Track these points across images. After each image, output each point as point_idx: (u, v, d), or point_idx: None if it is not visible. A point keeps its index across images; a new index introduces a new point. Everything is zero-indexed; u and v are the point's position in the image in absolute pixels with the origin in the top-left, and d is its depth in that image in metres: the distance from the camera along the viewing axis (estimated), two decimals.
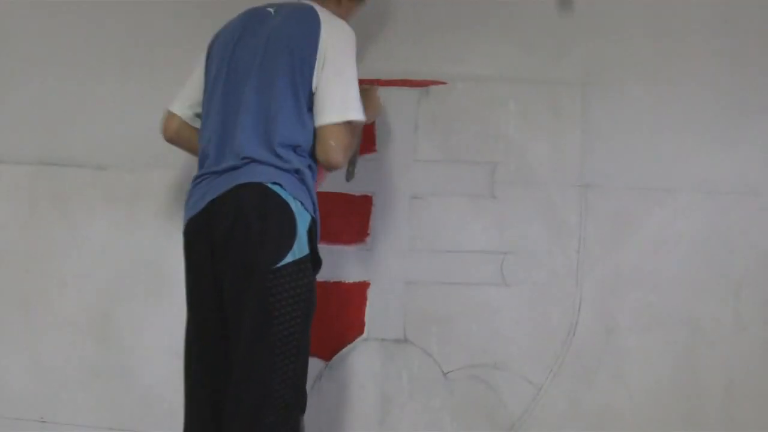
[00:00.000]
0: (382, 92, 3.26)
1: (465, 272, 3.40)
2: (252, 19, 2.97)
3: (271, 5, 2.97)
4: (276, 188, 2.76)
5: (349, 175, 3.22)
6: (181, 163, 3.31)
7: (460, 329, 3.41)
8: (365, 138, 3.33)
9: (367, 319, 3.42)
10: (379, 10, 3.41)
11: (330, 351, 3.40)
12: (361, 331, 3.42)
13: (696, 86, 3.40)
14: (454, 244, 3.42)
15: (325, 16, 2.90)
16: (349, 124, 2.85)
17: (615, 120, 3.42)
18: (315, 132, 2.85)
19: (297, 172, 2.80)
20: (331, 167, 2.87)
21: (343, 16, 3.03)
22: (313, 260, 2.84)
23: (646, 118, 3.41)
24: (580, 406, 3.38)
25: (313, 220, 2.84)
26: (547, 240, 3.41)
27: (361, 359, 3.41)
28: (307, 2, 2.96)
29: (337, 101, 2.83)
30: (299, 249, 2.77)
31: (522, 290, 3.40)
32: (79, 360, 3.42)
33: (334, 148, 2.82)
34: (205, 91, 2.97)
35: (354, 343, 3.42)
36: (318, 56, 2.82)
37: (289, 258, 2.75)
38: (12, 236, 3.46)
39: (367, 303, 3.42)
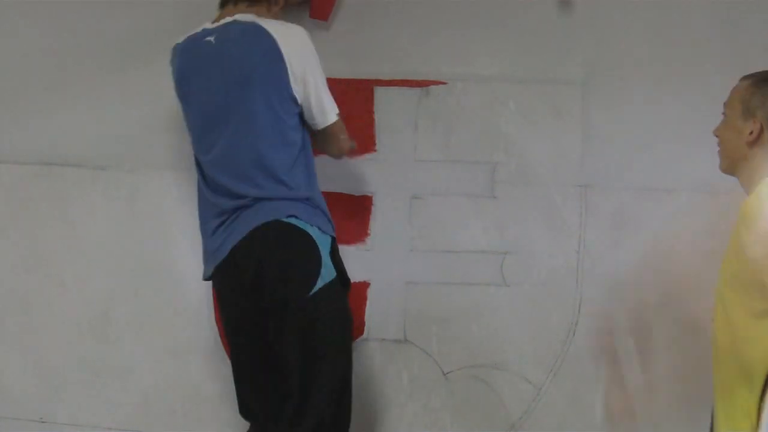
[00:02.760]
0: (382, 92, 3.26)
1: (465, 272, 3.40)
2: (197, 58, 2.94)
3: (207, 33, 2.94)
4: (292, 220, 2.81)
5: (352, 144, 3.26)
6: (180, 164, 3.31)
7: (460, 329, 3.40)
8: (365, 138, 3.34)
9: (367, 319, 3.42)
10: (379, 9, 3.41)
11: None
12: (361, 331, 3.41)
13: (696, 86, 3.39)
14: (454, 244, 3.41)
15: (271, 26, 2.88)
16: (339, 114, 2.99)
17: (615, 120, 3.41)
18: (318, 133, 2.96)
19: (307, 199, 2.86)
20: (344, 156, 3.10)
21: (277, 13, 3.03)
22: (342, 280, 2.88)
23: (646, 118, 3.41)
24: (580, 406, 3.38)
25: (333, 240, 2.88)
26: (547, 240, 3.41)
27: (361, 359, 3.40)
28: (246, 19, 2.93)
29: (329, 100, 2.94)
30: (327, 273, 2.83)
31: (522, 290, 3.40)
32: (79, 360, 3.42)
33: (345, 140, 3.02)
34: (190, 130, 3.03)
35: (354, 343, 3.42)
36: (289, 72, 2.86)
37: (319, 284, 2.79)
38: (12, 236, 3.45)
39: (367, 303, 3.42)
